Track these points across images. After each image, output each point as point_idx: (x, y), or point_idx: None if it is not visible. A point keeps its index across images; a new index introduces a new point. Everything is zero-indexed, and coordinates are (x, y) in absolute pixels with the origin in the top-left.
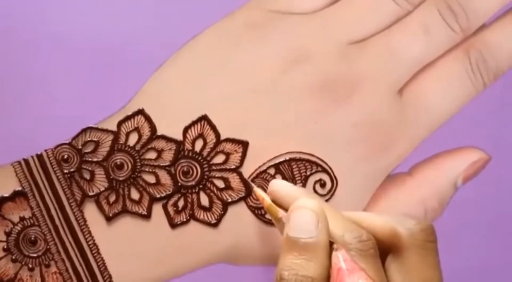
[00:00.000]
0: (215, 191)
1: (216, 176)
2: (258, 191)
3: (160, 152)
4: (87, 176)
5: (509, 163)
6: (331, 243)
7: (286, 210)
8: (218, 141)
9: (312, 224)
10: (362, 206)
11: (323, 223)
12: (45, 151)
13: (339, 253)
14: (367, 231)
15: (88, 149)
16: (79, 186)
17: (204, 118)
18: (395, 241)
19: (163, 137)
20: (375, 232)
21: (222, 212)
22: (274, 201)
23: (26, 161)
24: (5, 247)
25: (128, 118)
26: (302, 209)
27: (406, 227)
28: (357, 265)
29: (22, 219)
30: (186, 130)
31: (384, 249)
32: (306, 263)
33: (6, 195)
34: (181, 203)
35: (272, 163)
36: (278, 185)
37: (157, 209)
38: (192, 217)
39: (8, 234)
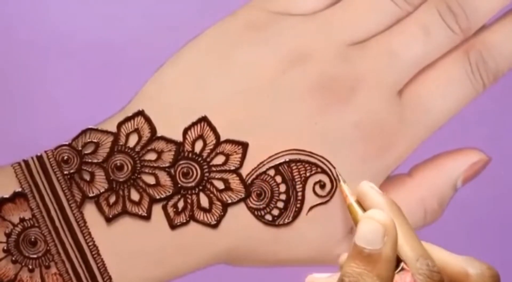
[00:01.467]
0: (215, 192)
1: (216, 177)
2: (343, 188)
3: (160, 153)
4: (87, 177)
5: (509, 163)
6: (398, 260)
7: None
8: (218, 142)
9: (378, 236)
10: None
11: (391, 237)
12: (45, 152)
13: (406, 274)
14: (436, 262)
15: (88, 150)
16: (79, 187)
17: (204, 119)
18: (463, 279)
19: (163, 138)
20: (446, 267)
21: (222, 213)
22: (358, 202)
23: (26, 162)
24: (5, 248)
25: (128, 119)
26: (371, 220)
27: (477, 269)
28: None
29: (22, 220)
30: (186, 131)
31: None
32: (366, 273)
33: (6, 196)
34: (181, 204)
35: (272, 164)
36: (366, 187)
37: (157, 210)
38: (192, 218)
39: (8, 235)
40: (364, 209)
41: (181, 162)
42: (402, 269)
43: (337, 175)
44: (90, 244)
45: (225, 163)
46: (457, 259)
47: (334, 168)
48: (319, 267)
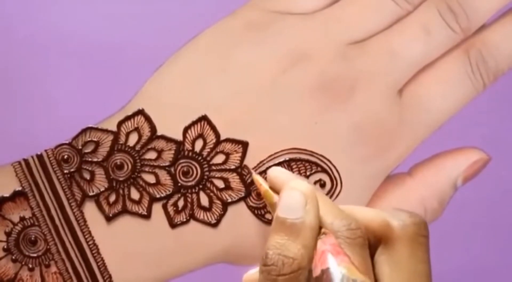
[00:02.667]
0: (215, 191)
1: (216, 176)
2: (256, 177)
3: (160, 152)
4: (87, 176)
5: (509, 163)
6: (320, 228)
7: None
8: (218, 141)
9: (300, 205)
10: (362, 206)
11: (312, 205)
12: (45, 151)
13: (326, 237)
14: (358, 220)
15: (88, 149)
16: (79, 186)
17: (204, 118)
18: (387, 232)
19: (163, 137)
20: (366, 223)
21: (222, 212)
22: (271, 188)
23: (26, 161)
24: (5, 247)
25: (128, 118)
26: (292, 190)
27: (399, 219)
28: (343, 251)
29: (22, 219)
30: (186, 130)
31: (375, 241)
32: (290, 243)
33: (6, 195)
34: (181, 203)
35: (272, 163)
36: (276, 171)
37: (157, 209)
38: (192, 217)
39: (8, 234)
40: (278, 193)
41: (181, 161)
42: (324, 234)
43: (336, 170)
44: (90, 243)
45: (225, 162)
46: (379, 214)
47: (334, 167)
48: None
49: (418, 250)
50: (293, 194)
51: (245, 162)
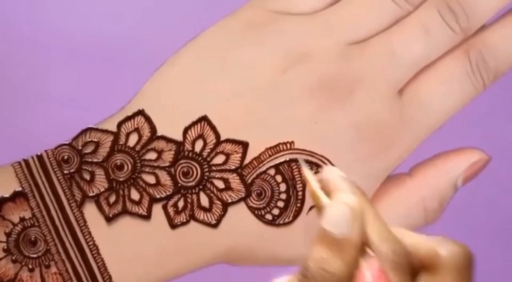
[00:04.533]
0: (215, 192)
1: (216, 176)
2: (306, 174)
3: (160, 153)
4: (87, 176)
5: (508, 163)
6: (364, 247)
7: (330, 198)
8: (218, 142)
9: (346, 221)
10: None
11: (358, 223)
12: (45, 151)
13: (371, 259)
14: (405, 246)
15: (88, 149)
16: (79, 186)
17: (204, 119)
18: (433, 260)
19: (163, 138)
20: (413, 248)
21: (222, 213)
22: (322, 188)
23: (26, 161)
24: (5, 247)
25: (128, 119)
26: (340, 204)
27: (447, 248)
28: (385, 276)
29: (22, 219)
30: (186, 131)
31: (418, 268)
32: (331, 258)
33: (6, 195)
34: (181, 204)
35: (272, 163)
36: (329, 172)
37: (157, 209)
38: (192, 217)
39: (8, 235)
40: (328, 195)
41: (181, 161)
42: (368, 255)
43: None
44: (90, 243)
45: (225, 162)
46: (427, 241)
47: (334, 166)
48: None
49: (464, 281)
50: (341, 208)
51: (245, 162)
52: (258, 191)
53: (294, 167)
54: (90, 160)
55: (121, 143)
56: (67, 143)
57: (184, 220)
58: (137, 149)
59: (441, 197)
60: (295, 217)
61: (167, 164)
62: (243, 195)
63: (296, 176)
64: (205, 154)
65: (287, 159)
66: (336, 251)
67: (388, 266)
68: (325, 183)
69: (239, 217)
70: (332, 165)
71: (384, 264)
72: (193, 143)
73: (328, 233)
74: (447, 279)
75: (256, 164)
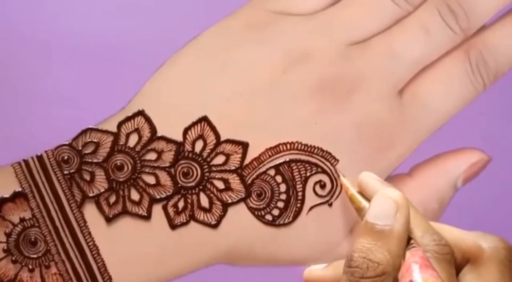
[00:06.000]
0: (215, 192)
1: (216, 177)
2: (343, 180)
3: (160, 153)
4: (87, 177)
5: (509, 163)
6: (409, 239)
7: (368, 201)
8: (218, 142)
9: (390, 212)
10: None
11: (403, 214)
12: (45, 151)
13: (415, 250)
14: (447, 239)
15: (88, 150)
16: (79, 187)
17: (204, 119)
18: (476, 253)
19: (163, 138)
20: (455, 241)
21: (222, 213)
22: (360, 192)
23: (26, 161)
24: (5, 248)
25: (128, 119)
26: (384, 197)
27: (490, 242)
28: (431, 265)
29: (22, 220)
30: (186, 131)
31: (461, 261)
32: (376, 248)
33: (6, 195)
34: (181, 204)
35: (272, 164)
36: (367, 176)
37: (157, 210)
38: (192, 218)
39: (8, 235)
40: (367, 198)
41: (181, 162)
42: (413, 246)
43: (335, 170)
44: (90, 244)
45: (225, 163)
46: (468, 235)
47: (334, 167)
48: None
49: (505, 273)
50: (384, 200)
51: (245, 163)
52: (258, 192)
53: (294, 168)
54: (90, 160)
55: (121, 143)
56: (67, 143)
57: (184, 221)
58: (137, 149)
59: (441, 197)
60: (295, 217)
61: (167, 164)
62: (243, 195)
63: (296, 177)
64: (205, 154)
65: (287, 160)
66: (381, 242)
67: (432, 256)
68: (363, 186)
69: (239, 218)
70: (332, 165)
71: (428, 255)
72: (193, 143)
73: (372, 225)
74: (490, 271)
75: (256, 164)
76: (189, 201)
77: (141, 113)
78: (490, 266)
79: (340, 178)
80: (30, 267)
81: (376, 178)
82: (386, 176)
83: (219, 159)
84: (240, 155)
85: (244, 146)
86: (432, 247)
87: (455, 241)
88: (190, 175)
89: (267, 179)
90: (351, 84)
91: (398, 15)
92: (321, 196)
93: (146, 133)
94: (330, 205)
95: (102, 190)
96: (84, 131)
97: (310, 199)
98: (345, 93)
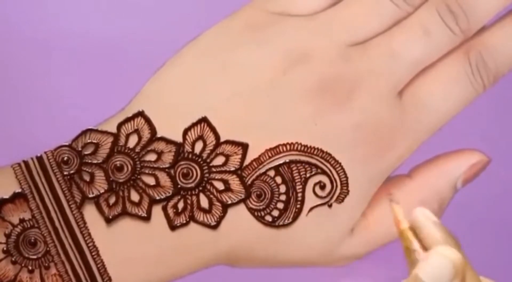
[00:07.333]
0: (215, 193)
1: (216, 178)
2: (397, 209)
3: (160, 154)
4: (87, 177)
5: (509, 163)
6: None
7: (420, 242)
8: (218, 143)
9: (447, 277)
10: (362, 208)
11: (458, 280)
12: (45, 152)
13: None
14: None
15: (88, 150)
16: (79, 187)
17: (204, 120)
18: None
19: (163, 139)
20: None
21: (222, 214)
22: (411, 228)
23: (26, 162)
24: (4, 249)
25: (128, 120)
26: (444, 258)
27: None
28: None
29: (22, 220)
30: (186, 132)
31: None
32: None
33: (6, 196)
34: (180, 205)
35: (272, 164)
36: (422, 215)
37: (157, 211)
38: (192, 219)
39: (8, 236)
40: (418, 238)
41: (181, 163)
42: None
43: (336, 172)
44: (90, 244)
45: (225, 164)
46: None
47: (334, 168)
48: (319, 269)
49: None
50: (444, 263)
51: (245, 164)
52: (258, 192)
53: (293, 169)
54: (90, 161)
55: (121, 144)
56: (67, 144)
57: (184, 221)
58: (137, 150)
59: (440, 198)
60: (295, 218)
61: (167, 165)
62: (242, 196)
63: (296, 177)
64: (205, 155)
65: (287, 160)
66: None
67: None
68: (417, 226)
69: (239, 219)
70: (332, 165)
71: None
72: (193, 144)
73: None
74: None
75: (256, 165)
76: (189, 201)
77: (141, 114)
78: None
79: (393, 206)
80: (30, 268)
81: (432, 218)
82: (385, 177)
83: (219, 160)
84: (240, 156)
85: (244, 146)
86: None
87: None
88: (190, 176)
89: (267, 180)
90: (351, 84)
91: (398, 16)
92: (321, 197)
93: (146, 134)
94: (330, 206)
95: (102, 190)
96: (84, 132)
97: (310, 200)
98: (345, 93)
